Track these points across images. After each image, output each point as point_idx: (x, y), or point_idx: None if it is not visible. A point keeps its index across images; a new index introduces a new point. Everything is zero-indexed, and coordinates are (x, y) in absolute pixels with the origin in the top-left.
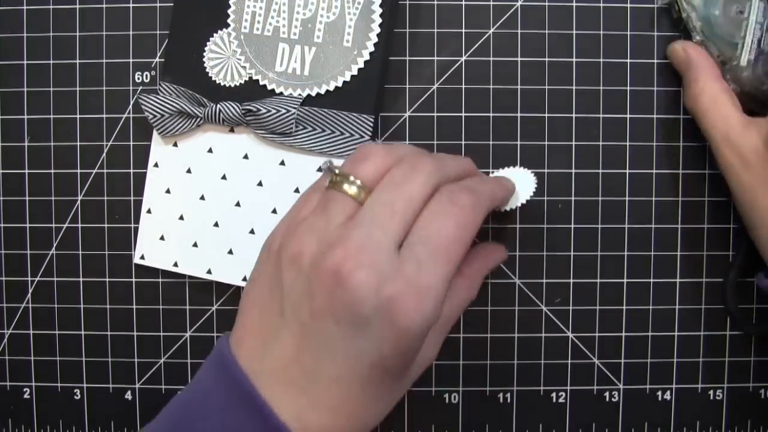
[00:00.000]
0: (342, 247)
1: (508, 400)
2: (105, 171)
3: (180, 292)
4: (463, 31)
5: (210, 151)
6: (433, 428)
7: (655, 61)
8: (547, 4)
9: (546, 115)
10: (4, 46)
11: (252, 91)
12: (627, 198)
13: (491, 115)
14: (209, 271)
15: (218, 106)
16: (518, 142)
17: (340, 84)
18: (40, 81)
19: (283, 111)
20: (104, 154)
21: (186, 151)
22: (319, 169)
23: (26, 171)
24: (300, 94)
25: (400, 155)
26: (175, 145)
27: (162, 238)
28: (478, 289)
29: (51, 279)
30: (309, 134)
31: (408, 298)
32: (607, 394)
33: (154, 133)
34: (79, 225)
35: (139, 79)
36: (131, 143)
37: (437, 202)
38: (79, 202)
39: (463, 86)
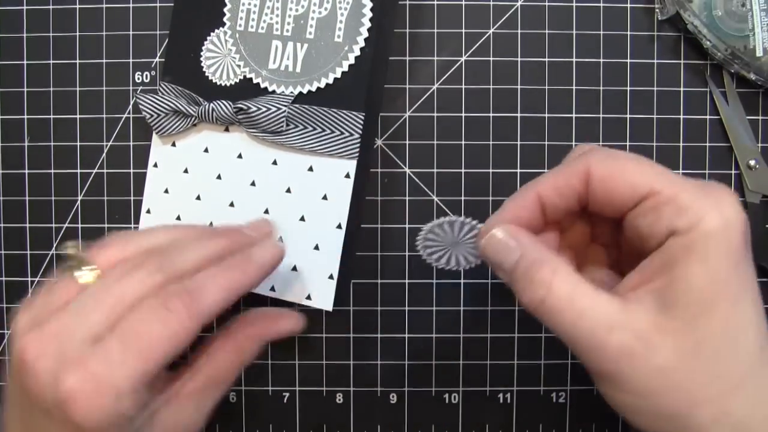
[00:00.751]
0: (38, 332)
1: (508, 400)
2: (105, 171)
3: None
4: (463, 31)
5: (206, 150)
6: (433, 428)
7: (655, 61)
8: (547, 4)
9: (546, 115)
10: (4, 46)
11: (246, 89)
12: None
13: (491, 115)
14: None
15: (211, 104)
16: (518, 142)
17: (331, 81)
18: (40, 81)
19: (273, 109)
20: (104, 154)
21: (184, 151)
22: (311, 169)
23: (26, 171)
24: (292, 92)
25: (146, 247)
26: (174, 145)
27: None
28: (254, 354)
29: (51, 279)
30: (300, 133)
31: (85, 394)
32: None
33: (154, 133)
34: (79, 225)
35: (139, 79)
36: (131, 143)
37: (149, 303)
38: (79, 202)
39: (463, 86)
